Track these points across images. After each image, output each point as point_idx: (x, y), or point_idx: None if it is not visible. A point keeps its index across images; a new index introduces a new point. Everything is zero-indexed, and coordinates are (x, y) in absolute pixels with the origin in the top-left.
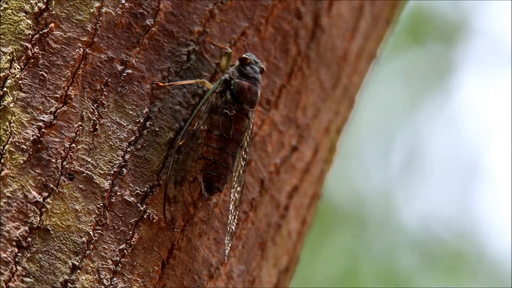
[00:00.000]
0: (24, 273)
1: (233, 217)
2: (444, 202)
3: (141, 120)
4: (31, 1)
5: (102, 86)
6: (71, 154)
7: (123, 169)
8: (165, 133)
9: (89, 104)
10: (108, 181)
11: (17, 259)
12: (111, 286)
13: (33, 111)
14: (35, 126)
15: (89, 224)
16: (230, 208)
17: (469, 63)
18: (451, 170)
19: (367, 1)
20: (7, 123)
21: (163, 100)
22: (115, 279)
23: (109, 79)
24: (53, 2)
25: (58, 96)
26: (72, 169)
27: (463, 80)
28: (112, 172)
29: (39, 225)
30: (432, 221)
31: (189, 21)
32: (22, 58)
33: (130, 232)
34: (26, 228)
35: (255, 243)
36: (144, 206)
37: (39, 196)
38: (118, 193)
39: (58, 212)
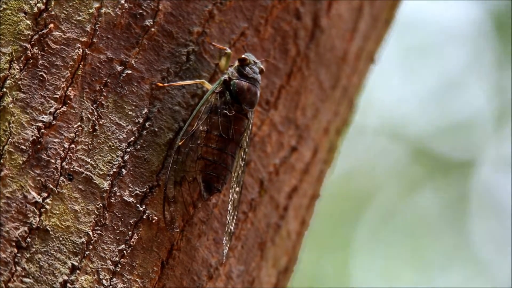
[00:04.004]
0: (23, 274)
1: (231, 218)
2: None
3: (141, 121)
4: (31, 1)
5: (102, 87)
6: (71, 154)
7: (123, 169)
8: (165, 133)
9: (88, 104)
10: (108, 182)
11: (16, 260)
12: (111, 287)
13: (33, 111)
14: (34, 127)
15: (89, 225)
16: (229, 209)
17: None
18: None
19: (366, 1)
20: (6, 124)
21: (163, 100)
22: (114, 279)
23: (109, 80)
24: (53, 3)
25: (58, 96)
26: (71, 169)
27: None
28: (111, 172)
29: (39, 225)
30: None
31: (188, 21)
32: (22, 59)
33: (130, 233)
34: (26, 228)
35: (255, 243)
36: (144, 207)
37: (39, 197)
38: (118, 194)
39: (57, 212)
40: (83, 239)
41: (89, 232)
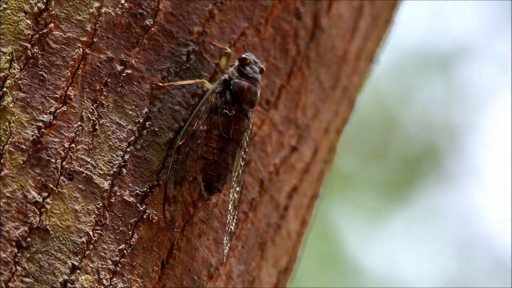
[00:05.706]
0: (23, 273)
1: (232, 217)
2: None
3: (141, 120)
4: (31, 1)
5: (102, 86)
6: (71, 154)
7: (123, 169)
8: (165, 133)
9: (88, 104)
10: (108, 181)
11: (16, 259)
12: (111, 286)
13: (33, 111)
14: (34, 126)
15: (89, 224)
16: (229, 208)
17: None
18: None
19: (366, 1)
20: (6, 123)
21: (163, 100)
22: (114, 279)
23: (109, 79)
24: (53, 2)
25: (58, 96)
26: (71, 169)
27: None
28: (111, 172)
29: (39, 225)
30: None
31: (188, 21)
32: (22, 58)
33: (130, 232)
34: (26, 228)
35: (255, 243)
36: (144, 206)
37: (39, 196)
38: (118, 193)
39: (57, 212)
40: (83, 239)
41: (90, 232)
